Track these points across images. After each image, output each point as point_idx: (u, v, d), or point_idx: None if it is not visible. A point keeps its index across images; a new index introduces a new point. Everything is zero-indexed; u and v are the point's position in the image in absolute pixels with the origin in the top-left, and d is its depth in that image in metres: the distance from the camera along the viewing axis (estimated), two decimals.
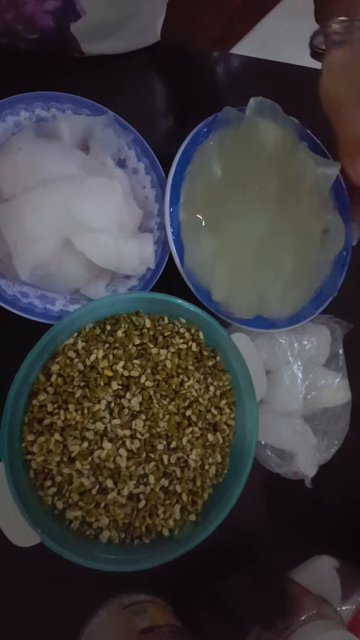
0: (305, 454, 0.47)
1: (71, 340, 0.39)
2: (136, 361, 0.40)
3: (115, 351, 0.39)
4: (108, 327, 0.40)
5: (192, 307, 0.41)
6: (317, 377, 0.48)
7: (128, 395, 0.38)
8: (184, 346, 0.42)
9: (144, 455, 0.38)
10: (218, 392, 0.42)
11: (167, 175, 0.46)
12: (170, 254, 0.45)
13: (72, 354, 0.39)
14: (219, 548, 0.43)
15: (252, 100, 0.47)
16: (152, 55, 0.54)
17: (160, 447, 0.39)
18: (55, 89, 0.45)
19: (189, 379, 0.41)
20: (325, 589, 0.41)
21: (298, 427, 0.47)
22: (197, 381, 0.41)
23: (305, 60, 0.61)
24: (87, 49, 0.50)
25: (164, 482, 0.39)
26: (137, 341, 0.40)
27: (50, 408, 0.37)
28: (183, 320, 0.43)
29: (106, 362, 0.38)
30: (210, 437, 0.41)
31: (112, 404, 0.38)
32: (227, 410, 0.42)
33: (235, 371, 0.43)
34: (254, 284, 0.47)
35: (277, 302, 0.47)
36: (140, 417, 0.38)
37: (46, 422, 0.37)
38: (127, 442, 0.38)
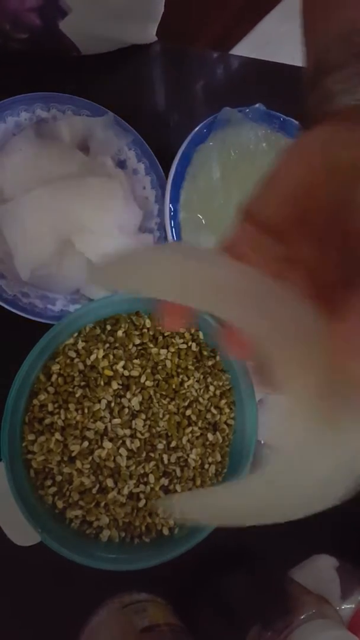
0: None
1: (71, 340, 0.40)
2: (136, 361, 0.40)
3: (115, 351, 0.39)
4: (108, 327, 0.41)
5: None
6: None
7: (128, 395, 0.39)
8: (184, 346, 0.42)
9: (144, 454, 0.38)
10: (218, 392, 0.42)
11: (167, 176, 0.46)
12: None
13: (72, 354, 0.39)
14: (219, 547, 0.43)
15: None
16: (152, 56, 0.54)
17: (160, 446, 0.39)
18: (55, 90, 0.45)
19: (188, 378, 0.41)
20: (324, 588, 0.41)
21: None
22: (197, 381, 0.41)
23: None
24: (84, 48, 0.49)
25: (164, 481, 0.39)
26: (137, 341, 0.40)
27: (50, 408, 0.38)
28: None
29: (106, 362, 0.39)
30: (210, 436, 0.41)
31: (112, 404, 0.38)
32: (227, 410, 0.43)
33: (235, 371, 0.43)
34: None
35: None
36: (140, 417, 0.39)
37: (47, 421, 0.37)
38: (127, 442, 0.38)
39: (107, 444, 0.37)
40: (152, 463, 0.38)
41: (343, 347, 0.15)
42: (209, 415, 0.42)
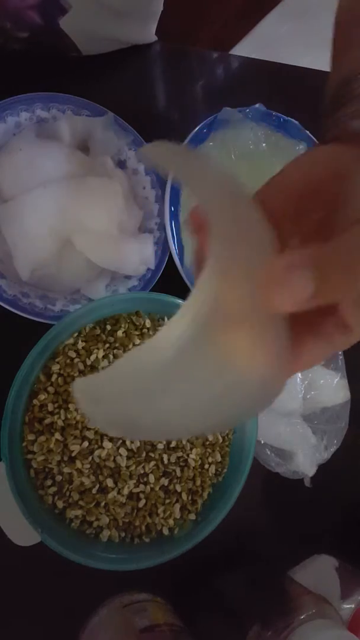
0: (304, 453, 0.47)
1: (71, 340, 0.39)
2: None
3: (115, 351, 0.39)
4: (108, 327, 0.41)
5: None
6: (316, 377, 0.49)
7: None
8: None
9: (143, 454, 0.38)
10: None
11: (167, 176, 0.46)
12: (170, 254, 0.45)
13: (72, 354, 0.39)
14: (219, 547, 0.43)
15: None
16: (152, 56, 0.54)
17: (160, 446, 0.39)
18: (55, 90, 0.45)
19: None
20: (324, 588, 0.41)
21: (297, 427, 0.47)
22: None
23: (306, 60, 0.61)
24: (84, 48, 0.49)
25: (164, 481, 0.39)
26: (137, 341, 0.40)
27: (50, 407, 0.38)
28: None
29: (106, 362, 0.39)
30: (210, 436, 0.41)
31: None
32: None
33: None
34: None
35: None
36: None
37: (47, 421, 0.37)
38: (127, 442, 0.38)
39: (107, 444, 0.37)
40: (152, 463, 0.38)
41: (271, 278, 0.16)
42: None
